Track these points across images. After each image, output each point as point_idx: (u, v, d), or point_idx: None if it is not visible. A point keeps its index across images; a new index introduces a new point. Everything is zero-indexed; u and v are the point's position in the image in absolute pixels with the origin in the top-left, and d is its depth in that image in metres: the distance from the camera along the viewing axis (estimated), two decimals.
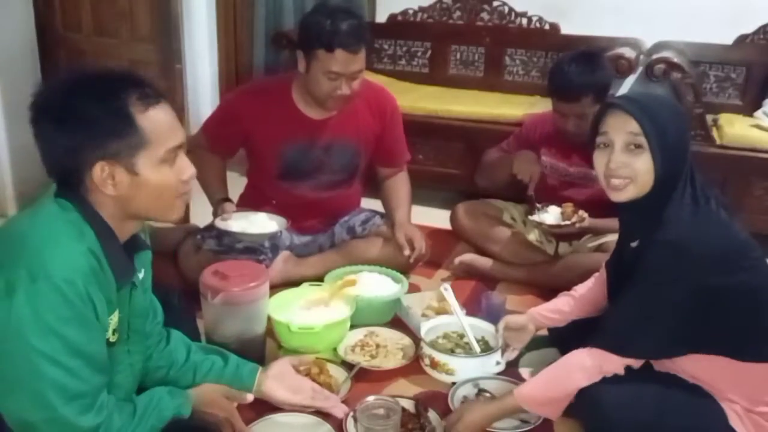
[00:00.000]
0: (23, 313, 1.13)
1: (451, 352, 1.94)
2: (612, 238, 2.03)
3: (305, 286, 2.20)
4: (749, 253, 1.47)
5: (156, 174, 1.24)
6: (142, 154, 1.22)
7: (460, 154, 3.33)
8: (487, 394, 1.80)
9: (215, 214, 2.30)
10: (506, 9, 3.77)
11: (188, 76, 3.70)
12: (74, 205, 1.23)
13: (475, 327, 2.02)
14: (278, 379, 1.66)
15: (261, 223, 2.24)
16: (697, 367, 1.52)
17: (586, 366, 1.52)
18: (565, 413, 1.58)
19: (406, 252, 2.36)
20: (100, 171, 1.20)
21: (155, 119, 1.23)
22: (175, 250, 2.37)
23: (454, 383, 1.85)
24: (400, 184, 2.55)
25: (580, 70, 2.29)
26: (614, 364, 1.50)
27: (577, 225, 2.32)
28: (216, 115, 2.45)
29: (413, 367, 1.94)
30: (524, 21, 3.75)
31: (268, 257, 2.34)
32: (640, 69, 3.38)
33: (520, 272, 2.52)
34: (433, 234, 2.72)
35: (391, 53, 4.03)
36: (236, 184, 2.61)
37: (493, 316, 2.05)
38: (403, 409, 1.63)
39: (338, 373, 1.87)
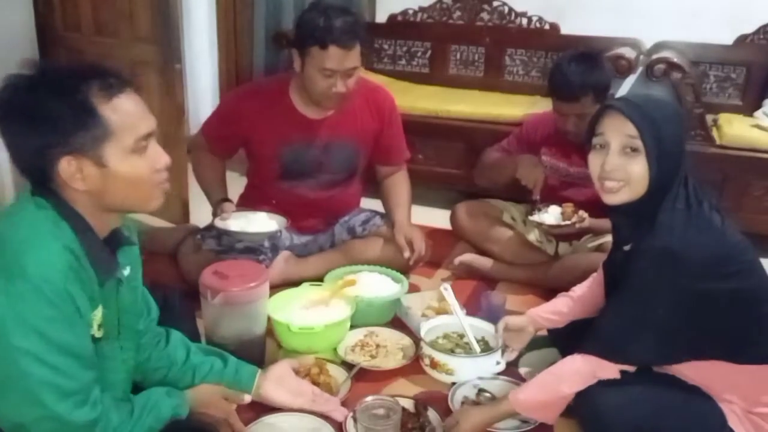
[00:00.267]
0: (3, 314, 1.12)
1: (451, 352, 1.93)
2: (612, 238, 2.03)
3: (305, 286, 2.20)
4: (740, 257, 1.45)
5: (126, 165, 1.21)
6: (109, 145, 1.19)
7: (460, 154, 3.32)
8: (487, 394, 1.80)
9: (215, 214, 2.30)
10: (506, 9, 3.77)
11: (188, 76, 3.71)
12: (50, 202, 1.21)
13: (475, 327, 2.02)
14: (278, 383, 1.66)
15: (260, 223, 2.24)
16: (694, 370, 1.52)
17: (581, 372, 1.52)
18: (565, 413, 1.58)
19: (406, 254, 2.36)
20: (67, 166, 1.18)
21: (120, 109, 1.19)
22: (175, 250, 2.38)
23: (454, 383, 1.85)
24: (399, 183, 2.55)
25: (579, 70, 2.29)
26: (609, 369, 1.50)
27: (577, 225, 2.32)
28: (214, 117, 2.45)
29: (413, 367, 1.94)
30: (524, 21, 3.74)
31: (268, 257, 2.34)
32: (640, 69, 3.38)
33: (520, 272, 2.52)
34: (433, 234, 2.72)
35: (390, 53, 4.03)
36: (236, 184, 2.61)
37: (493, 316, 2.05)
38: (403, 409, 1.62)
39: (338, 373, 1.87)
